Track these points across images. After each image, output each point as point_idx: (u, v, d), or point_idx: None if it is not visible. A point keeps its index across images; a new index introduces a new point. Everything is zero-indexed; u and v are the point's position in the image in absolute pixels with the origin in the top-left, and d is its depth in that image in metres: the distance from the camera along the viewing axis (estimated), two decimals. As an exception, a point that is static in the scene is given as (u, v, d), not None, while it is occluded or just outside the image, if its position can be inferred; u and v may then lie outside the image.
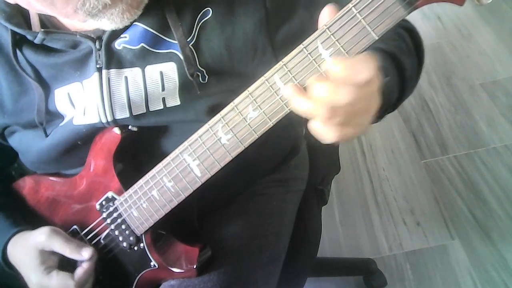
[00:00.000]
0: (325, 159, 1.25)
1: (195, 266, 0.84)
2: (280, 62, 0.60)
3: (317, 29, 0.58)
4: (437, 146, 2.06)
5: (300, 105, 0.59)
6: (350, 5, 0.55)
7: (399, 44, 0.82)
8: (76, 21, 0.76)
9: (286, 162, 1.09)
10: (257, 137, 0.65)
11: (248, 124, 0.64)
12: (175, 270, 0.84)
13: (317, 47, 0.57)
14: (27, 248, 0.86)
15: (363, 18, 0.55)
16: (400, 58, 0.78)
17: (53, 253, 0.85)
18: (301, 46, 0.58)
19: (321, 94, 0.56)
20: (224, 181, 0.77)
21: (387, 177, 1.99)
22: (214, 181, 0.73)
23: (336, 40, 0.56)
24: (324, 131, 0.59)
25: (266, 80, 0.61)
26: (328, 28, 0.56)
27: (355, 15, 0.55)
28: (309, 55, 0.58)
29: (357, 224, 1.85)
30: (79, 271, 0.84)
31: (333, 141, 0.60)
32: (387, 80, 0.70)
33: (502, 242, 1.68)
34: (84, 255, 0.84)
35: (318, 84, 0.57)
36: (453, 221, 1.79)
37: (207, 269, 0.87)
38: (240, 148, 0.67)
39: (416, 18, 2.69)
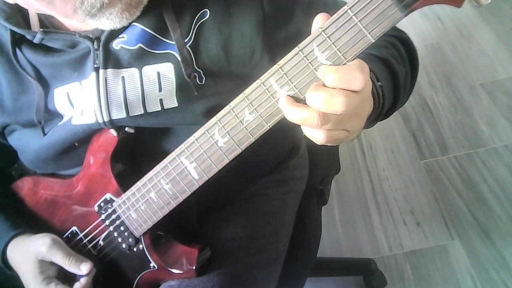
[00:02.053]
0: (325, 159, 1.25)
1: (194, 267, 0.84)
2: (276, 65, 0.59)
3: None
4: (437, 146, 2.06)
5: (291, 115, 0.60)
6: (345, 7, 0.55)
7: (393, 52, 0.82)
8: (75, 21, 0.77)
9: (286, 162, 1.09)
10: (253, 140, 0.65)
11: (245, 127, 0.64)
12: (175, 271, 0.85)
13: (313, 50, 0.57)
14: (27, 255, 0.86)
15: (359, 21, 0.55)
16: (394, 65, 0.78)
17: (53, 263, 0.86)
18: (296, 49, 0.58)
19: (315, 104, 0.57)
20: (223, 181, 0.77)
21: (387, 177, 1.99)
22: (213, 181, 0.73)
23: (332, 43, 0.56)
24: (314, 134, 0.60)
25: (262, 83, 0.61)
26: (323, 30, 0.56)
27: (351, 17, 0.55)
28: (305, 58, 0.58)
29: (357, 224, 1.85)
30: (77, 287, 0.85)
31: (323, 143, 0.61)
32: (380, 85, 0.71)
33: (502, 242, 1.68)
34: (83, 270, 0.85)
35: (313, 94, 0.57)
36: (453, 221, 1.79)
37: (207, 269, 0.87)
38: (237, 151, 0.67)
39: (416, 18, 2.69)
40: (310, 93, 0.58)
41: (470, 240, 1.71)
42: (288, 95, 0.60)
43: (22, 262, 0.88)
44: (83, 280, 0.85)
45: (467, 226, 1.76)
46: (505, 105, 2.15)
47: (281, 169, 1.08)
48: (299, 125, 1.13)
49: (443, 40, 2.56)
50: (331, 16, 0.57)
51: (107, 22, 0.74)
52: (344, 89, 0.56)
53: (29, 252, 0.86)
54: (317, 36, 0.57)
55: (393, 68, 0.77)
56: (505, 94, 2.19)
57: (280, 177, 1.08)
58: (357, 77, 0.55)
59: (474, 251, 1.68)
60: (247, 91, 0.62)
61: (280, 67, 0.59)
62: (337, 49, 0.56)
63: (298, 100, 0.60)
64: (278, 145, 1.04)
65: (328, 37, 0.56)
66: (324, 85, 0.58)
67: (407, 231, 1.80)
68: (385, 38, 0.73)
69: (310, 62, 0.58)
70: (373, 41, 0.55)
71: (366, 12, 0.54)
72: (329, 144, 0.62)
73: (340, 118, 0.58)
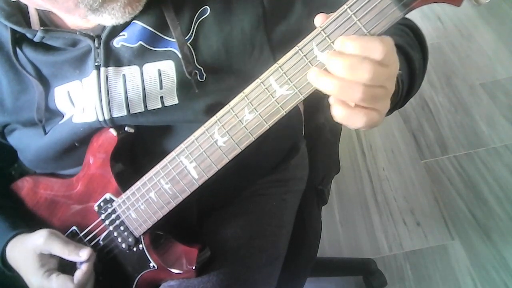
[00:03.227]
0: (325, 159, 1.25)
1: (194, 267, 0.84)
2: (276, 64, 0.60)
3: (314, 28, 0.58)
4: (437, 146, 2.06)
5: (331, 83, 0.56)
6: (345, 6, 0.55)
7: (408, 40, 0.82)
8: (77, 18, 0.77)
9: (285, 162, 1.09)
10: (253, 139, 0.65)
11: (244, 126, 0.64)
12: (174, 271, 0.85)
13: (312, 49, 0.57)
14: (26, 252, 0.86)
15: (358, 20, 0.55)
16: (409, 52, 0.78)
17: (52, 255, 0.86)
18: (296, 48, 0.58)
19: (338, 70, 0.55)
20: (223, 181, 0.77)
21: (387, 177, 1.99)
22: (213, 181, 0.73)
23: (332, 42, 0.56)
24: (350, 116, 0.58)
25: (262, 82, 0.61)
26: (323, 30, 0.56)
27: (351, 16, 0.55)
28: (304, 57, 0.58)
29: (357, 224, 1.85)
30: (78, 273, 0.84)
31: (360, 127, 0.58)
32: (400, 73, 0.70)
33: (502, 242, 1.68)
34: (82, 256, 0.84)
35: (336, 60, 0.55)
36: (453, 221, 1.78)
37: (206, 269, 0.87)
38: (237, 151, 0.67)
39: (416, 18, 2.66)
40: (333, 58, 0.55)
41: (470, 240, 1.71)
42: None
43: (22, 259, 0.88)
44: (84, 267, 0.84)
45: (467, 226, 1.76)
46: (505, 105, 2.15)
47: (281, 169, 1.08)
48: (300, 125, 1.13)
49: (443, 40, 2.56)
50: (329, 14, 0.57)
51: (109, 18, 0.74)
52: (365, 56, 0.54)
53: (28, 249, 0.86)
54: (316, 35, 0.57)
55: (410, 55, 0.78)
56: (505, 94, 2.19)
57: (280, 177, 1.08)
58: (377, 46, 0.54)
59: (474, 251, 1.68)
60: (247, 90, 0.63)
61: (279, 66, 0.59)
62: (337, 48, 0.56)
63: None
64: (278, 145, 1.04)
65: (327, 36, 0.56)
66: None
67: (407, 231, 1.80)
68: (396, 26, 0.72)
69: (309, 61, 0.58)
70: (373, 39, 0.56)
71: (365, 11, 0.54)
72: (364, 129, 0.60)
73: (369, 94, 0.56)
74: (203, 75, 0.80)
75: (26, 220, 0.94)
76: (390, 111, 0.73)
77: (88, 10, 0.72)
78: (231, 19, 0.79)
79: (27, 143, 0.89)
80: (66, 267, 0.87)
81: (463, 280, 1.61)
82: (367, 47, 0.54)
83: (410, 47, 0.80)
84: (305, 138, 1.18)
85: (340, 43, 0.56)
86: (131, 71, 0.80)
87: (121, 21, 0.76)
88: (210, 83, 0.80)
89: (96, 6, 0.71)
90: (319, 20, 0.58)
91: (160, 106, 0.80)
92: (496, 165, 1.92)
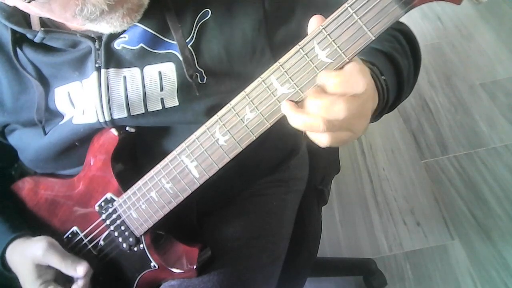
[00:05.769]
0: (325, 159, 1.25)
1: (195, 267, 0.84)
2: (277, 63, 0.60)
3: None
4: (437, 146, 2.05)
5: (296, 121, 0.60)
6: (346, 5, 0.55)
7: (395, 46, 0.82)
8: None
9: (286, 162, 1.09)
10: (254, 138, 0.65)
11: (246, 125, 0.64)
12: (175, 270, 0.85)
13: (314, 47, 0.57)
14: (24, 260, 0.86)
15: (359, 18, 0.55)
16: (396, 58, 0.78)
17: (50, 266, 0.86)
18: (297, 47, 0.58)
19: (317, 111, 0.57)
20: (223, 181, 0.77)
21: (387, 177, 1.99)
22: (213, 181, 0.73)
23: (333, 41, 0.56)
24: (319, 137, 0.60)
25: (263, 81, 0.61)
26: (324, 28, 0.56)
27: (351, 15, 0.55)
28: (305, 56, 0.58)
29: (357, 224, 1.85)
30: None
31: (328, 146, 0.60)
32: (384, 79, 0.71)
33: (502, 242, 1.68)
34: (79, 272, 0.85)
35: (313, 101, 0.57)
36: (453, 221, 1.78)
37: (207, 269, 0.87)
38: (238, 149, 0.67)
39: (416, 18, 2.69)
40: (311, 100, 0.58)
41: (470, 240, 1.71)
42: (290, 99, 0.61)
43: (20, 266, 0.88)
44: (80, 282, 0.85)
45: (467, 226, 1.75)
46: (505, 105, 2.15)
47: (281, 169, 1.08)
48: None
49: (443, 40, 2.56)
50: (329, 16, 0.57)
51: (107, 26, 0.75)
52: (345, 94, 0.56)
53: (26, 257, 0.86)
54: (317, 34, 0.57)
55: (397, 61, 0.78)
56: (505, 94, 2.19)
57: (280, 177, 1.08)
58: (360, 81, 0.56)
59: (474, 251, 1.68)
60: (248, 89, 0.63)
61: (280, 65, 0.60)
62: (338, 46, 0.56)
63: (299, 99, 0.60)
64: (278, 146, 1.04)
65: (328, 34, 0.56)
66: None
67: (407, 231, 1.80)
68: (386, 31, 0.73)
69: (310, 60, 0.58)
70: (374, 38, 0.56)
71: (367, 10, 0.54)
72: (334, 146, 0.62)
73: (344, 122, 0.58)
74: (204, 77, 0.80)
75: (27, 220, 0.94)
76: (378, 116, 0.74)
77: (86, 20, 0.72)
78: (232, 22, 0.79)
79: (27, 143, 0.89)
80: (64, 277, 0.87)
81: (463, 280, 1.61)
82: (350, 83, 0.56)
83: (399, 53, 0.80)
84: (305, 138, 1.18)
85: (323, 80, 0.58)
86: (131, 73, 0.80)
87: (119, 29, 0.76)
88: (210, 85, 0.80)
89: (93, 17, 0.71)
90: (315, 21, 0.58)
91: (160, 107, 0.80)
92: (496, 165, 1.92)
